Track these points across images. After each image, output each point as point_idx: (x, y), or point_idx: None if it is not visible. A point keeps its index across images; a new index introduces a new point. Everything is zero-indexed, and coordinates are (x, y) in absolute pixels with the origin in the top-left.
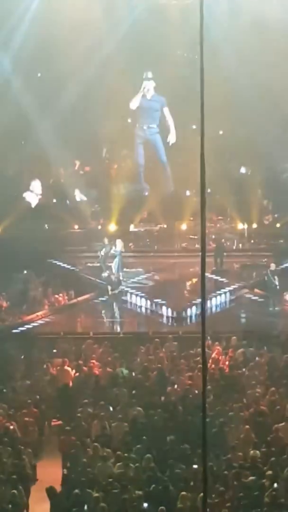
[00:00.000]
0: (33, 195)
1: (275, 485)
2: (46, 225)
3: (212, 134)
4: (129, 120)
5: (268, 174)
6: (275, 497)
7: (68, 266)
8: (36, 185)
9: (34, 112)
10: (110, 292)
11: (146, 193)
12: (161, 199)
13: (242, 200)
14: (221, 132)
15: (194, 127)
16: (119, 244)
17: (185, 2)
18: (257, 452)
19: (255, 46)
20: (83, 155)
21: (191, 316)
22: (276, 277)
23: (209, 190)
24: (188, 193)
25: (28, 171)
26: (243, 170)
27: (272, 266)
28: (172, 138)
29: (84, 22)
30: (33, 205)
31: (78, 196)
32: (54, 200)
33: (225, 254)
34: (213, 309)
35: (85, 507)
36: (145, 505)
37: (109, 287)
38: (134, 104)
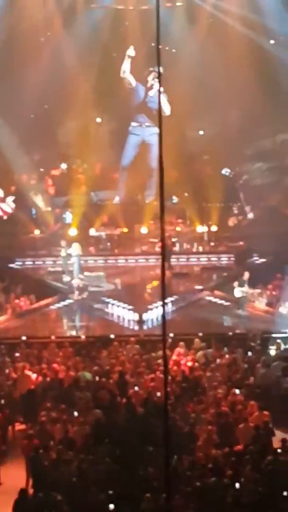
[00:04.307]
0: None
1: (237, 485)
2: (6, 230)
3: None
4: (99, 120)
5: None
6: (237, 497)
7: (29, 271)
8: None
9: None
10: (71, 296)
11: (118, 201)
12: (121, 203)
13: (207, 203)
14: (201, 133)
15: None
16: (78, 248)
17: (142, 8)
18: (219, 452)
19: (213, 49)
20: (47, 161)
21: (152, 319)
22: (246, 285)
23: (174, 199)
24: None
25: None
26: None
27: (246, 276)
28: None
29: (44, 26)
30: None
31: (40, 201)
32: (14, 205)
33: (173, 256)
34: (174, 311)
35: (49, 510)
36: (111, 507)
37: (70, 291)
38: (130, 80)
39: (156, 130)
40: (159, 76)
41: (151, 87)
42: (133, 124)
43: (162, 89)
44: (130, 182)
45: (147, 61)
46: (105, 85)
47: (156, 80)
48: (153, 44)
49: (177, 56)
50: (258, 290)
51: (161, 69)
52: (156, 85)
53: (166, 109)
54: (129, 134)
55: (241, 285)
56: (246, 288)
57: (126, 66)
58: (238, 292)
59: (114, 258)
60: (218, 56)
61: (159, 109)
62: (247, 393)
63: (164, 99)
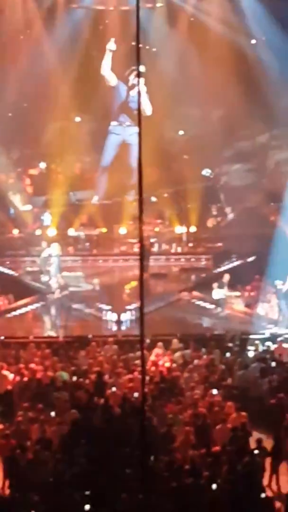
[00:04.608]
0: None
1: (214, 486)
2: None
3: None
4: (78, 119)
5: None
6: (213, 498)
7: (7, 271)
8: None
9: None
10: (49, 296)
11: (97, 201)
12: (100, 203)
13: (186, 203)
14: (181, 133)
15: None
16: (56, 248)
17: (122, 8)
18: (196, 453)
19: (193, 49)
20: (26, 160)
21: (130, 319)
22: (226, 287)
23: (153, 199)
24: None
25: None
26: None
27: (225, 277)
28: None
29: (24, 25)
30: None
31: (18, 201)
32: None
33: (151, 257)
34: (152, 312)
35: (26, 511)
36: (87, 507)
37: (49, 291)
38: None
39: (136, 130)
40: (139, 75)
41: (132, 87)
42: (113, 123)
43: (144, 89)
44: (110, 182)
45: (128, 60)
46: (85, 84)
47: (136, 79)
48: (133, 43)
49: (158, 55)
50: (237, 293)
51: (142, 69)
52: (136, 84)
53: (148, 109)
54: (109, 134)
55: (220, 286)
56: (224, 290)
57: (106, 61)
58: (216, 293)
59: (93, 258)
60: (199, 57)
61: (139, 109)
62: (224, 394)
63: (145, 99)
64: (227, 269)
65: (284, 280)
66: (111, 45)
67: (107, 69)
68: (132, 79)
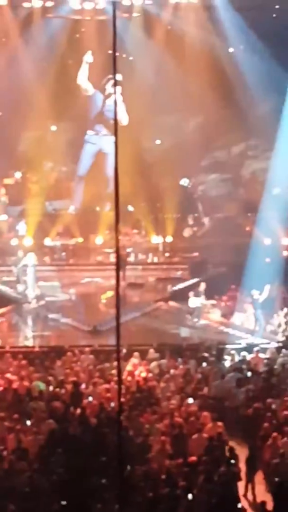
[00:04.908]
0: None
1: (190, 496)
2: None
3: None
4: (54, 128)
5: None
6: (189, 508)
7: None
8: None
9: None
10: (25, 306)
11: (73, 210)
12: (77, 213)
13: (163, 213)
14: (158, 142)
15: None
16: (33, 257)
17: (98, 18)
18: (173, 463)
19: (170, 58)
20: (1, 170)
21: (106, 329)
22: (202, 296)
23: (130, 208)
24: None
25: None
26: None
27: (202, 287)
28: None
29: (0, 36)
30: None
31: None
32: None
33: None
34: (129, 322)
35: None
36: None
37: (25, 301)
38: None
39: (113, 139)
40: (116, 84)
41: (109, 95)
42: (90, 132)
43: (120, 98)
44: (86, 192)
45: (105, 69)
46: (61, 93)
47: (113, 88)
48: (110, 52)
49: (135, 64)
50: (213, 302)
51: (119, 77)
52: (112, 94)
53: (124, 119)
54: (85, 143)
55: (196, 296)
56: (201, 299)
57: (83, 72)
58: (193, 303)
59: (69, 268)
60: (176, 66)
61: (115, 118)
62: (201, 404)
63: (122, 109)
64: (204, 279)
65: (261, 290)
66: (88, 57)
67: (83, 79)
68: (109, 88)
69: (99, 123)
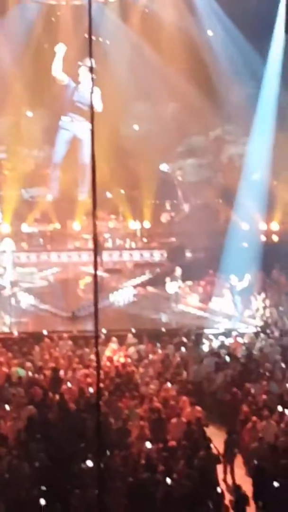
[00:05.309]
0: None
1: (169, 480)
2: None
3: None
4: (30, 114)
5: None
6: (169, 492)
7: None
8: None
9: None
10: (3, 292)
11: (50, 198)
12: (54, 199)
13: (140, 199)
14: (136, 128)
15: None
16: (10, 243)
17: (74, 3)
18: (152, 448)
19: (147, 43)
20: None
21: (85, 315)
22: (179, 281)
23: (108, 194)
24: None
25: None
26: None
27: (178, 271)
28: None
29: None
30: None
31: None
32: None
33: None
34: (107, 307)
35: None
36: (42, 502)
37: (2, 287)
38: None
39: (88, 125)
40: (92, 70)
41: (80, 82)
42: (64, 119)
43: (94, 84)
44: (63, 178)
45: (81, 53)
46: (37, 79)
47: (86, 74)
48: (86, 36)
49: (111, 49)
50: (190, 283)
51: (91, 63)
52: (85, 80)
53: (98, 106)
54: (60, 129)
55: (173, 281)
56: (178, 284)
57: (56, 64)
58: (170, 288)
59: (47, 254)
60: (152, 51)
61: (91, 105)
62: (179, 388)
63: (96, 95)
64: (181, 264)
65: (239, 276)
66: (59, 48)
67: (58, 70)
68: (81, 73)
69: (72, 110)
